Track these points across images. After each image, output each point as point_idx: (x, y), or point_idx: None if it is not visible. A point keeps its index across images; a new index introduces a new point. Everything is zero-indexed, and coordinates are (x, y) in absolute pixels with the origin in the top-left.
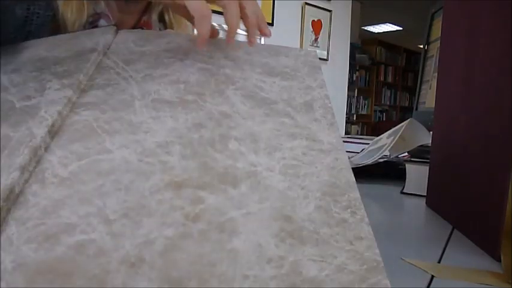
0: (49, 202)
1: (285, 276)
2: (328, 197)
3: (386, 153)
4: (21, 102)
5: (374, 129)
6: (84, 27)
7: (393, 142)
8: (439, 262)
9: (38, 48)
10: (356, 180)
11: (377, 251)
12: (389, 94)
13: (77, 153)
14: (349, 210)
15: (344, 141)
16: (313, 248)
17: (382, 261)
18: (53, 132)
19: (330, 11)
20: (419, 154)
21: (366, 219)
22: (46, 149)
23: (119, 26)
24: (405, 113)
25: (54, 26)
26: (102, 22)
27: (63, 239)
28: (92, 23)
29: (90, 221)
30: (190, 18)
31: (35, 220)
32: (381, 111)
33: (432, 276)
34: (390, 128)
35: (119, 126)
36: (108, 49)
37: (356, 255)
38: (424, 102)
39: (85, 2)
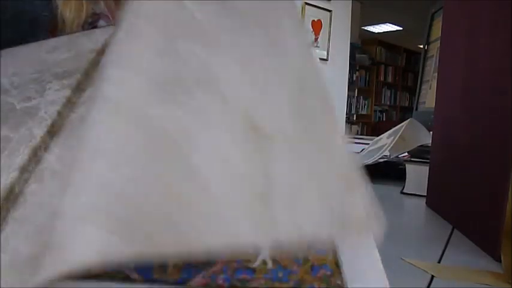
0: (44, 197)
1: (257, 194)
2: (295, 97)
3: (387, 153)
4: (22, 104)
5: (374, 129)
6: (83, 28)
7: (393, 142)
8: (439, 262)
9: (39, 51)
10: None
11: (349, 155)
12: (389, 94)
13: (71, 146)
14: (318, 110)
15: None
16: (282, 158)
17: (357, 165)
18: (53, 132)
19: (330, 11)
20: (419, 154)
21: (337, 120)
22: (46, 148)
23: None
24: (405, 113)
25: (53, 26)
26: (101, 22)
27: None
28: (91, 24)
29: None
30: None
31: (30, 216)
32: (381, 111)
33: (432, 276)
34: (390, 128)
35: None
36: (107, 47)
37: (328, 159)
38: (424, 102)
39: (84, 2)
